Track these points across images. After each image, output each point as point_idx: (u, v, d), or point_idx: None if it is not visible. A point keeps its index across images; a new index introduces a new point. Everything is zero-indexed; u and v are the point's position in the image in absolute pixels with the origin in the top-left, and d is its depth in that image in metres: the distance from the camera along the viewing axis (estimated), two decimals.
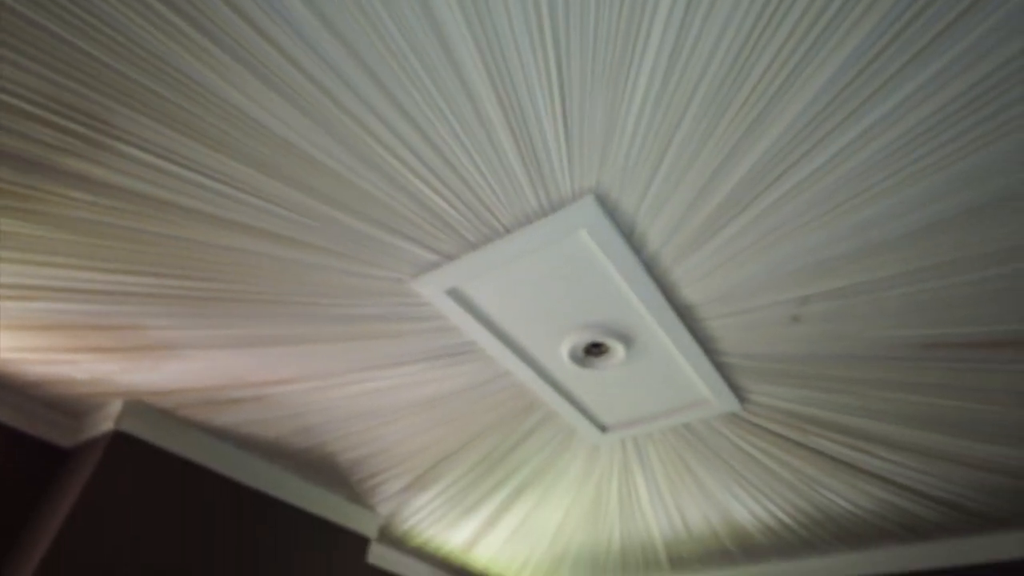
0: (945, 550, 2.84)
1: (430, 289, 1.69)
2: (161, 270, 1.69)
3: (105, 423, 2.35)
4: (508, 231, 1.54)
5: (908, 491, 2.43)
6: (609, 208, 1.45)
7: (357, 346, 1.95)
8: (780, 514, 2.69)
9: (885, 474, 2.33)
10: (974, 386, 1.88)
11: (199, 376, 2.14)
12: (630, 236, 1.52)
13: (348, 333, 1.90)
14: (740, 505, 2.65)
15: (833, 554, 3.05)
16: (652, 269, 1.61)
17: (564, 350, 1.86)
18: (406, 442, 2.44)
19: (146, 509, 2.30)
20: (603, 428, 2.25)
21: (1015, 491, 2.40)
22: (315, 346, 1.96)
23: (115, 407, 2.33)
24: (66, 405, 2.41)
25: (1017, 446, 2.13)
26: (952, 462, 2.23)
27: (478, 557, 3.43)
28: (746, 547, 3.04)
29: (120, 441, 2.30)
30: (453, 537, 3.16)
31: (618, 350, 1.84)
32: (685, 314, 1.74)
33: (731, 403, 2.02)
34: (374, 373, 2.07)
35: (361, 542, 2.99)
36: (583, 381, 2.02)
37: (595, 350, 1.88)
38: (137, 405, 2.33)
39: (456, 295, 1.72)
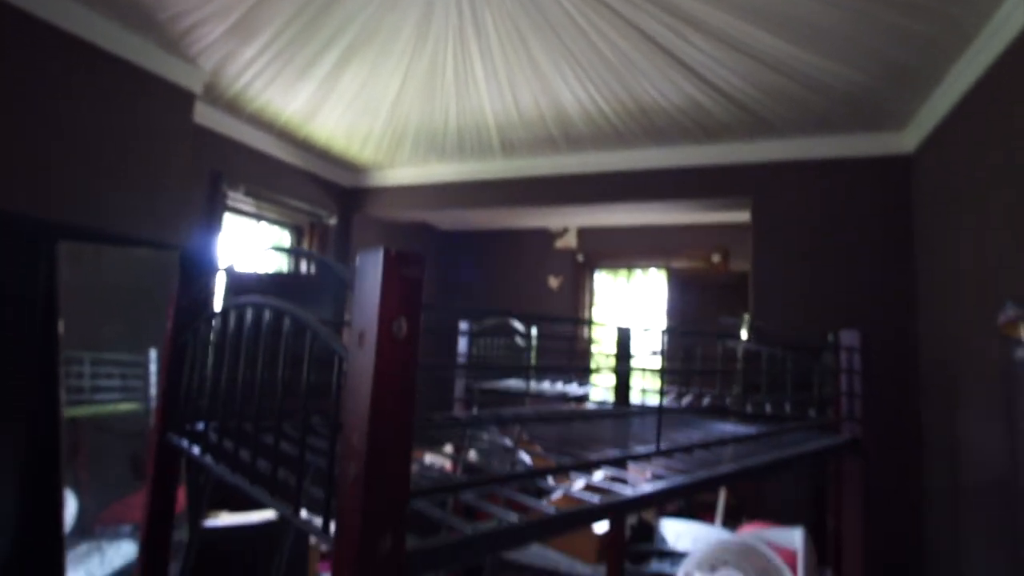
0: (726, 151, 3.35)
1: None
2: None
3: None
4: None
5: (712, 88, 2.68)
6: None
7: None
8: (601, 102, 2.91)
9: (697, 67, 2.51)
10: None
11: None
12: None
13: None
14: (567, 89, 2.79)
15: (640, 148, 3.48)
16: None
17: None
18: None
19: None
20: None
21: (800, 100, 2.75)
22: None
23: None
24: None
25: (826, 55, 2.34)
26: (759, 62, 2.43)
27: (318, 130, 3.48)
28: (569, 135, 3.35)
29: None
30: (289, 103, 3.12)
31: None
32: None
33: None
34: None
35: (184, 97, 2.86)
36: None
37: None
38: None
39: None
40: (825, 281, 3.11)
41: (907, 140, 2.99)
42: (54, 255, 1.92)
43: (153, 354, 2.30)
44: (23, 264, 1.87)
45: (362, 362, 0.51)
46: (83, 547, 1.89)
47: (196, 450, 0.96)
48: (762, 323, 3.01)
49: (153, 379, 2.29)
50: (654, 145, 3.43)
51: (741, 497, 3.44)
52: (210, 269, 1.14)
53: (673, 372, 1.67)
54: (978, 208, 2.25)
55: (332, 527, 0.58)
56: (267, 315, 0.77)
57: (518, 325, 2.26)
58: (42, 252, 1.89)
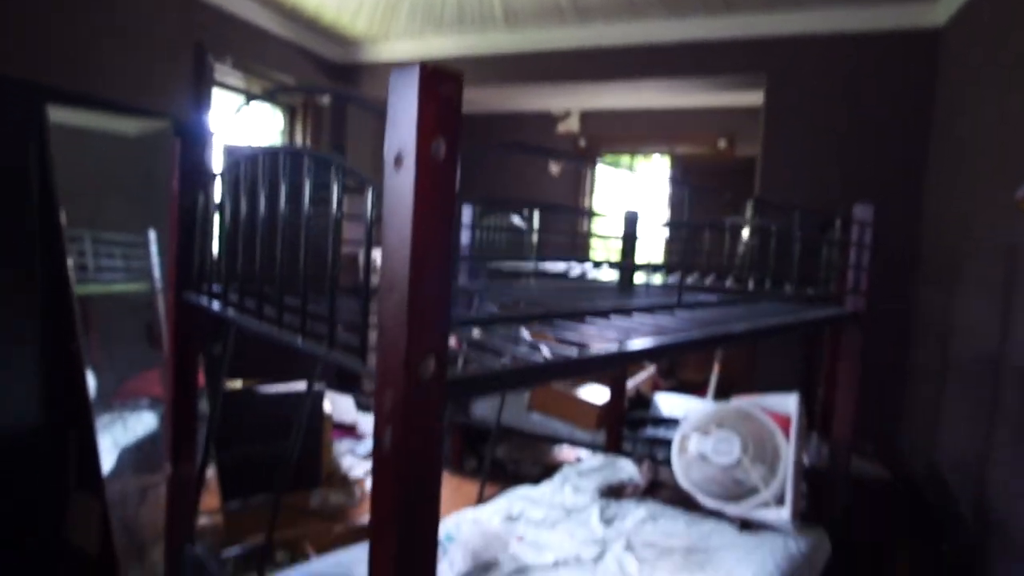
0: (744, 23, 3.15)
1: None
2: None
3: None
4: None
5: None
6: None
7: None
8: None
9: None
10: None
11: None
12: None
13: None
14: None
15: (653, 19, 3.26)
16: None
17: None
18: None
19: None
20: None
21: None
22: None
23: None
24: None
25: None
26: None
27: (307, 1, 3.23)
28: (578, 4, 3.12)
29: None
30: None
31: None
32: None
33: None
34: None
35: None
36: None
37: None
38: None
39: None
40: (835, 161, 3.04)
41: (938, 13, 2.80)
42: (43, 119, 1.84)
43: (152, 235, 2.28)
44: (12, 126, 1.79)
45: (400, 186, 0.49)
46: (105, 418, 1.97)
47: (216, 305, 0.96)
48: (766, 199, 2.99)
49: (155, 259, 2.29)
50: (668, 16, 3.21)
51: (732, 374, 3.59)
52: (208, 134, 1.09)
53: (679, 244, 1.67)
54: (1005, 86, 2.16)
55: (370, 360, 0.59)
56: (283, 160, 0.74)
57: (518, 221, 2.23)
58: (30, 115, 1.81)
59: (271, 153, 0.75)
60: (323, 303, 0.66)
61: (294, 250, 0.73)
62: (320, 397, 2.62)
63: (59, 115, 1.92)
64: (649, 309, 0.93)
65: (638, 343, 0.80)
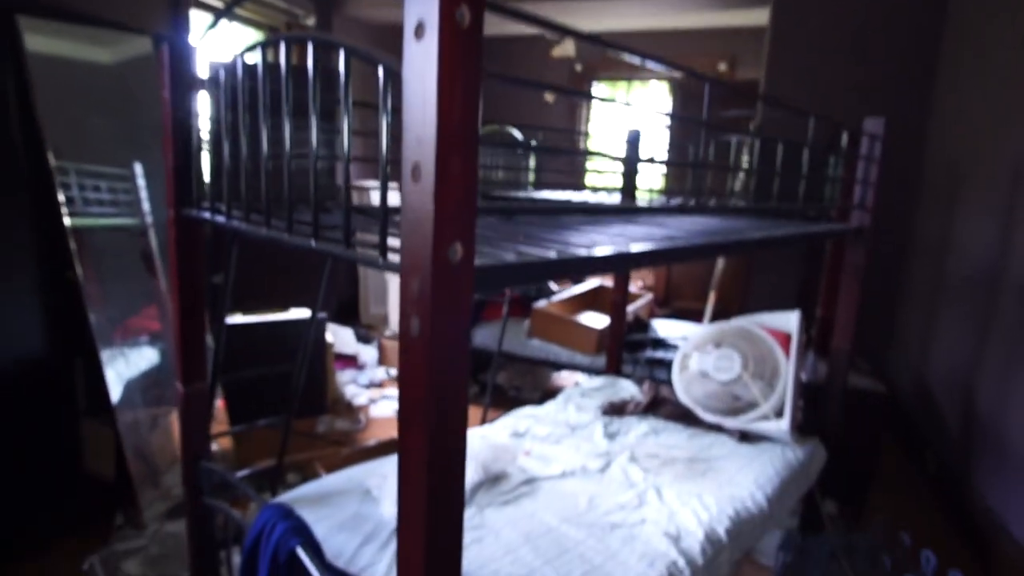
0: None
1: None
2: None
3: None
4: None
5: None
6: None
7: None
8: None
9: None
10: None
11: None
12: None
13: None
14: None
15: None
16: None
17: None
18: None
19: None
20: None
21: None
22: None
23: None
24: None
25: None
26: None
27: None
28: None
29: None
30: None
31: None
32: None
33: None
34: None
35: None
36: None
37: None
38: None
39: None
40: (841, 81, 2.97)
41: None
42: (16, 32, 1.74)
43: (139, 168, 2.21)
44: None
45: (422, 59, 0.46)
46: (106, 353, 1.97)
47: (220, 219, 0.94)
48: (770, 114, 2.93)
49: (143, 193, 2.23)
50: None
51: (727, 302, 3.63)
52: (191, 47, 1.03)
53: (678, 165, 1.64)
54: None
55: (390, 258, 0.58)
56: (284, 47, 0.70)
57: (517, 133, 2.17)
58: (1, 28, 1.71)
59: (272, 43, 0.71)
60: (336, 213, 0.64)
61: (297, 152, 0.71)
62: (322, 326, 2.64)
63: (34, 43, 1.82)
64: (657, 210, 0.92)
65: (646, 246, 0.79)
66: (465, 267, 0.49)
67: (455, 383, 0.51)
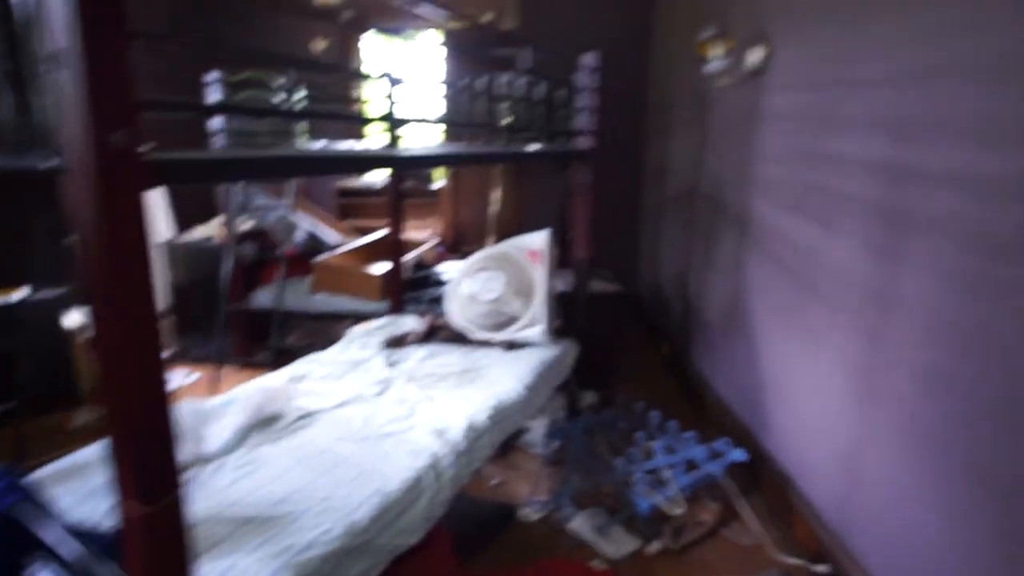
0: None
1: None
2: None
3: None
4: None
5: None
6: None
7: None
8: None
9: None
10: None
11: None
12: None
13: None
14: None
15: None
16: None
17: None
18: None
19: None
20: None
21: None
22: None
23: None
24: None
25: None
26: None
27: None
28: None
29: None
30: None
31: None
32: None
33: None
34: None
35: None
36: None
37: None
38: None
39: None
40: (586, 27, 3.33)
41: None
42: None
43: None
44: None
45: None
46: None
47: None
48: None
49: None
50: None
51: (506, 237, 3.91)
52: None
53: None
54: None
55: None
56: None
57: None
58: None
59: None
60: None
61: None
62: (54, 307, 2.32)
63: None
64: (421, 159, 0.99)
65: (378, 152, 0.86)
66: (131, 153, 0.51)
67: (139, 265, 0.53)
